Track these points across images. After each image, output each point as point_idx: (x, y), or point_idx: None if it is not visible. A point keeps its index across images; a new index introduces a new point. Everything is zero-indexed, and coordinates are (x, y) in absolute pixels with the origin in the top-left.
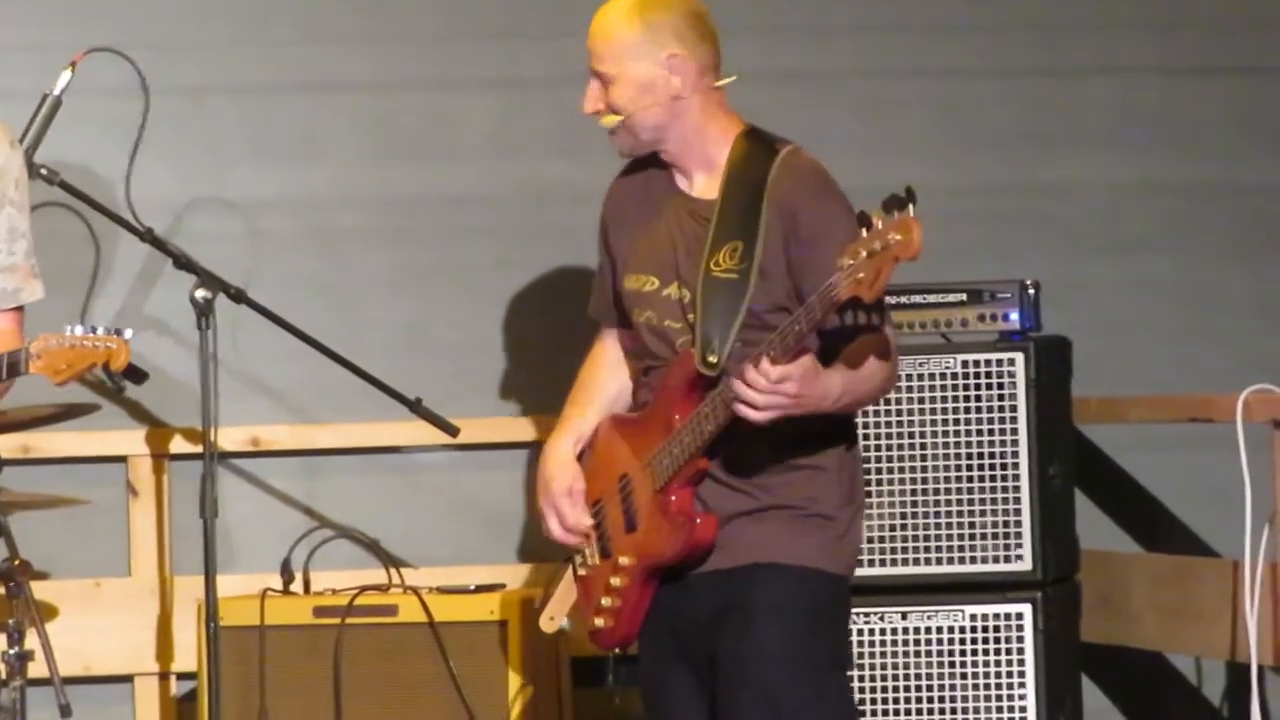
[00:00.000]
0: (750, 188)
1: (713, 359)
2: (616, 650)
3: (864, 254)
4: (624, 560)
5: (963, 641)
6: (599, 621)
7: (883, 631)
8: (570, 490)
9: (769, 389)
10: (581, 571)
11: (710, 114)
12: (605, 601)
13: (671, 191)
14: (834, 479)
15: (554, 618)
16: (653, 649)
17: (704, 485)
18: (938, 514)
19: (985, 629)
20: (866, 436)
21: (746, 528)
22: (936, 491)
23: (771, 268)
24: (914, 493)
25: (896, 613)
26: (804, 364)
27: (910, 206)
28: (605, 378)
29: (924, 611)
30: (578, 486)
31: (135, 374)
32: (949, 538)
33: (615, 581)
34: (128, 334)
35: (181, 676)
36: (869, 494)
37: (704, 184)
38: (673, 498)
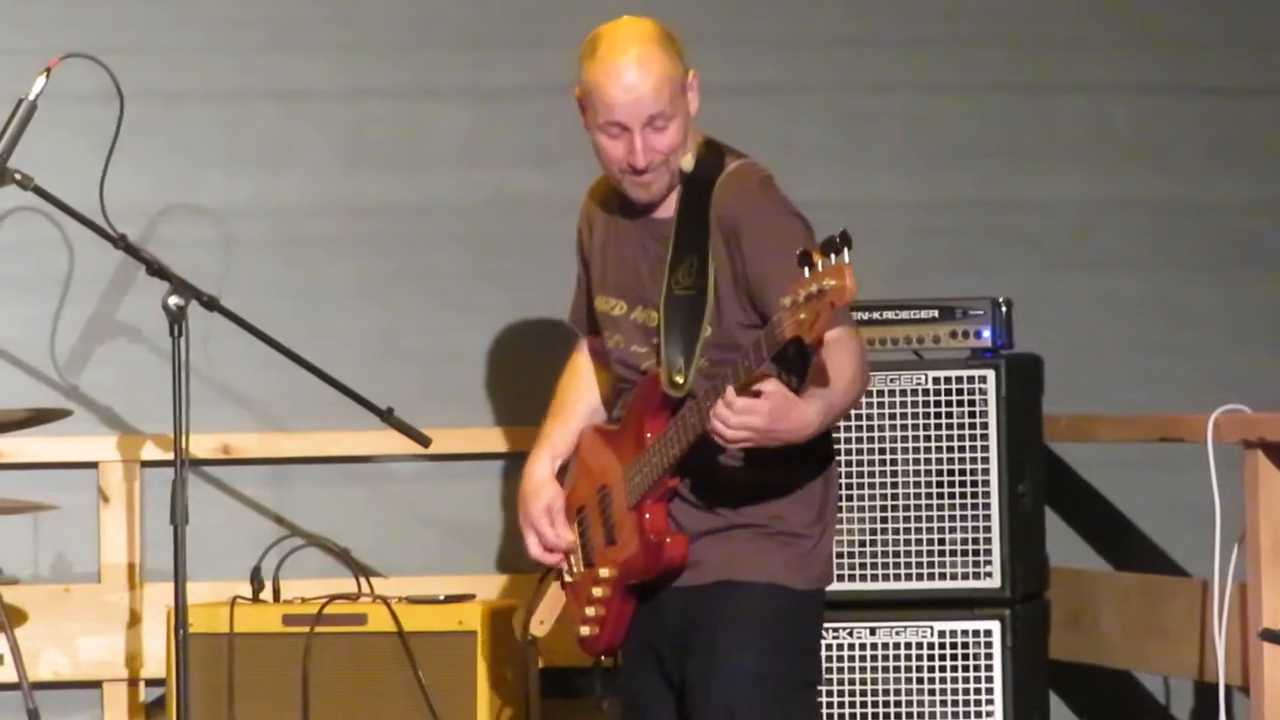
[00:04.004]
0: (700, 203)
1: (679, 379)
2: (603, 658)
3: (803, 296)
4: (604, 572)
5: (931, 658)
6: (585, 630)
7: (851, 647)
8: (548, 508)
9: (736, 421)
10: (568, 578)
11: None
12: (590, 611)
13: (635, 212)
14: (802, 497)
15: (544, 621)
16: (632, 661)
17: (674, 504)
18: (907, 530)
19: (954, 645)
20: (836, 452)
21: (713, 546)
22: (906, 508)
23: (724, 282)
24: (884, 509)
25: (865, 628)
26: (773, 399)
27: (846, 251)
28: (584, 388)
29: (893, 627)
30: (556, 504)
31: None
32: (918, 554)
33: (597, 592)
34: None
35: (150, 683)
36: (839, 509)
37: (666, 202)
38: (646, 515)
